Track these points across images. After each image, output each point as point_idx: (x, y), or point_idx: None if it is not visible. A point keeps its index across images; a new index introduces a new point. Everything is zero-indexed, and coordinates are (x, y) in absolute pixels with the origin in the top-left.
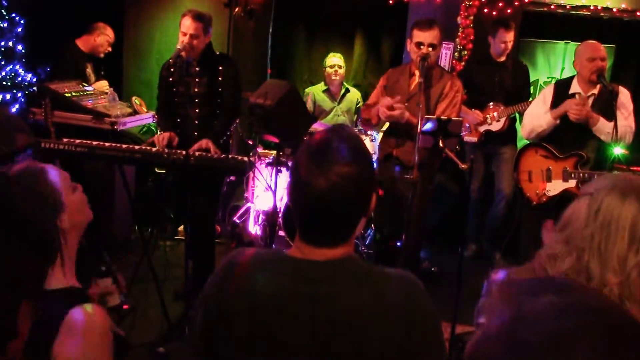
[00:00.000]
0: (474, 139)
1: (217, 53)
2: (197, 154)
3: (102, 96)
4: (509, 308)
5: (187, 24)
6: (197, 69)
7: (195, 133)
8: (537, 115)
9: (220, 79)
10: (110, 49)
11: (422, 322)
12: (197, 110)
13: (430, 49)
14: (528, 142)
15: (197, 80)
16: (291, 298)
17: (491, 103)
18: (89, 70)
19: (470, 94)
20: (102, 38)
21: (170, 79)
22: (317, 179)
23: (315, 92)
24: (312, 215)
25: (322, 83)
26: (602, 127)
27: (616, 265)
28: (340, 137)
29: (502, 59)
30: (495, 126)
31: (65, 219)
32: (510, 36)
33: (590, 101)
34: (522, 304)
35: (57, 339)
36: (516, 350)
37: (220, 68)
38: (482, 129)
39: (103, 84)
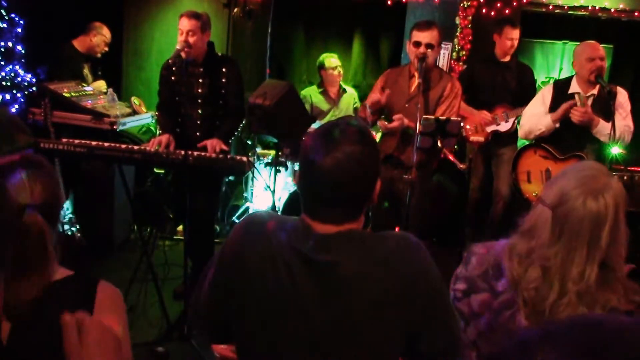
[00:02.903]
0: (481, 139)
1: (220, 55)
2: (195, 154)
3: (101, 96)
4: None
5: (184, 23)
6: (200, 69)
7: (198, 133)
8: (536, 116)
9: (223, 80)
10: (107, 49)
11: (421, 274)
12: (199, 111)
13: (427, 49)
14: (528, 143)
15: (200, 80)
16: (298, 261)
17: (498, 105)
18: (86, 70)
19: (473, 93)
20: (99, 38)
21: (172, 78)
22: (323, 157)
23: (312, 94)
24: (317, 192)
25: (318, 84)
26: (602, 128)
27: (576, 276)
28: (348, 122)
29: (507, 58)
30: (504, 127)
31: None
32: (516, 33)
33: (589, 101)
34: None
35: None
36: None
37: (224, 70)
38: (489, 129)
39: (101, 84)
